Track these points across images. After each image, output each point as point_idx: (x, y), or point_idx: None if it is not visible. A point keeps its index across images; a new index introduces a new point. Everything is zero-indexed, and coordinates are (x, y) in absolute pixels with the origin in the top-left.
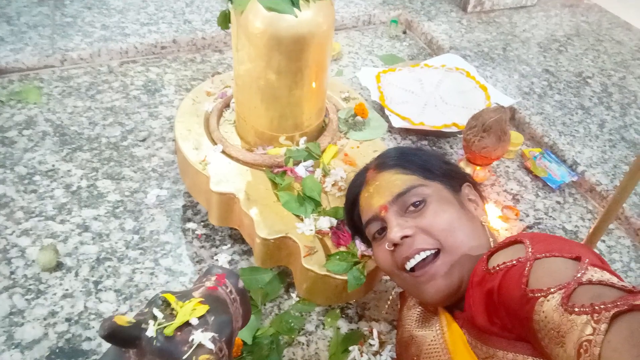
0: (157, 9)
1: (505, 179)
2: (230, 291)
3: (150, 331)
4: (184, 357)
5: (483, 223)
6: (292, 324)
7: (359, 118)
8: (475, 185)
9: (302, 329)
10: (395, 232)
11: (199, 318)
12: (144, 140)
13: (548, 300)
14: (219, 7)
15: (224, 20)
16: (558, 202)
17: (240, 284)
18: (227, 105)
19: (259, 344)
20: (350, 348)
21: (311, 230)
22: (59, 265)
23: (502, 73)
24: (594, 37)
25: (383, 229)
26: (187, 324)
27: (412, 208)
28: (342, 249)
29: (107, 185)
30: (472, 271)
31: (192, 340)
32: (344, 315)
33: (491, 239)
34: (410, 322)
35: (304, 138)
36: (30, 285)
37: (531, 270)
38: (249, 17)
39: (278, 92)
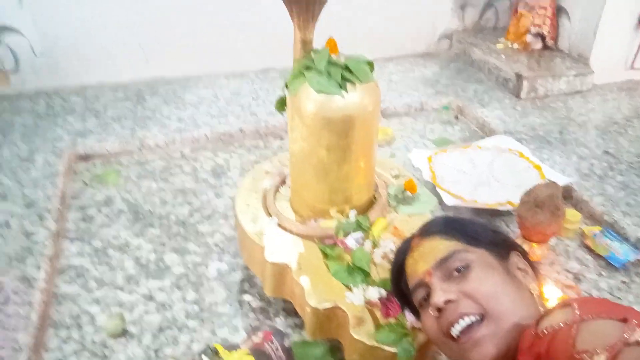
0: (227, 103)
1: (565, 257)
2: (277, 348)
3: None
4: None
5: (532, 292)
6: None
7: (408, 193)
8: (526, 255)
9: None
10: (438, 297)
11: None
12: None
13: None
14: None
15: (281, 104)
16: (623, 282)
17: (287, 342)
18: (283, 182)
19: None
20: None
21: (360, 300)
22: (124, 332)
23: (560, 155)
24: None
25: (429, 295)
26: None
27: (456, 273)
28: (392, 320)
29: (172, 259)
30: (522, 337)
31: None
32: None
33: (542, 309)
34: None
35: (354, 211)
36: (97, 349)
37: (578, 332)
38: (301, 100)
39: (328, 167)
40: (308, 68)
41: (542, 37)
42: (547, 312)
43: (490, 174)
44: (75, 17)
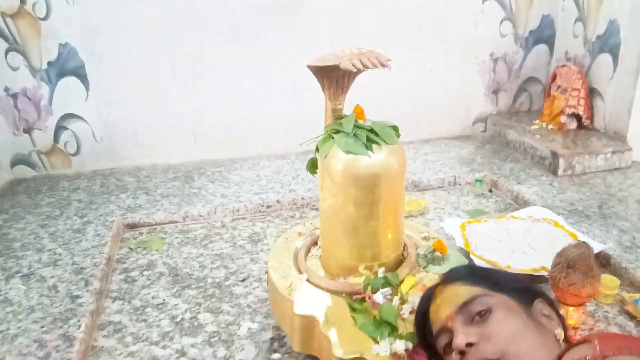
0: (268, 181)
1: (605, 324)
2: None
3: None
4: None
5: (558, 337)
6: None
7: (437, 253)
8: (552, 303)
9: None
10: (460, 340)
11: None
12: (243, 280)
13: None
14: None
15: (312, 165)
16: None
17: None
18: (315, 243)
19: None
20: None
21: (386, 351)
22: None
23: (599, 229)
24: None
25: (452, 341)
26: None
27: (477, 318)
28: None
29: (206, 318)
30: None
31: None
32: None
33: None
34: None
35: (383, 269)
36: None
37: None
38: (331, 160)
39: (356, 222)
40: (337, 132)
41: (578, 118)
42: (568, 348)
43: (525, 242)
44: (134, 105)
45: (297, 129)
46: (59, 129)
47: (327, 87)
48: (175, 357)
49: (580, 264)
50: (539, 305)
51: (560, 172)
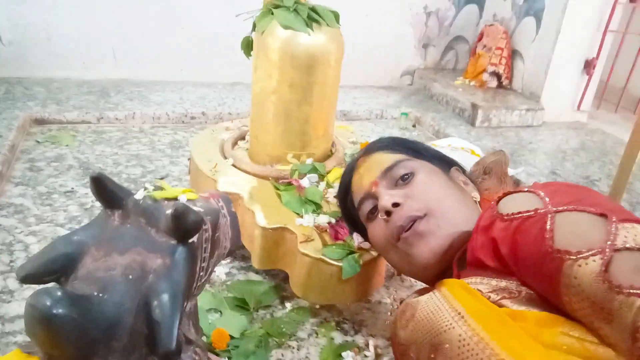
0: (193, 105)
1: None
2: (222, 207)
3: (139, 195)
4: (167, 211)
5: (474, 199)
6: (284, 329)
7: None
8: (465, 172)
9: (294, 335)
10: (386, 200)
11: (189, 200)
12: (162, 178)
13: (580, 266)
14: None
15: (247, 46)
16: None
17: (232, 208)
18: (243, 138)
19: (247, 339)
20: (344, 354)
21: (310, 223)
22: None
23: (509, 171)
24: (599, 151)
25: (376, 208)
26: (175, 199)
27: (401, 182)
28: (340, 243)
29: None
30: (479, 217)
31: (177, 201)
32: (339, 329)
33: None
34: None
35: (311, 159)
36: None
37: (554, 226)
38: (268, 37)
39: (289, 107)
40: (276, 6)
41: (498, 76)
42: (507, 194)
43: None
44: (49, 10)
45: (228, 59)
46: None
47: None
48: None
49: (496, 170)
50: (456, 173)
51: (477, 123)
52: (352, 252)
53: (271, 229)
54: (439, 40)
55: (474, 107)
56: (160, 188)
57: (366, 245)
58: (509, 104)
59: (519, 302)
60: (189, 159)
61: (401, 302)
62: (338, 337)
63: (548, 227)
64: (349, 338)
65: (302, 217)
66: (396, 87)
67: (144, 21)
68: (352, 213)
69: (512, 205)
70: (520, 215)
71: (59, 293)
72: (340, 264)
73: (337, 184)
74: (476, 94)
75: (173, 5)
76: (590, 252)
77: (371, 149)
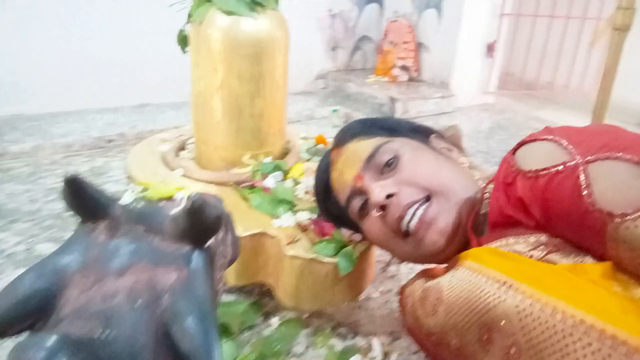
0: (101, 132)
1: None
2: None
3: (127, 198)
4: (172, 211)
5: (463, 165)
6: (278, 347)
7: (321, 145)
8: (444, 137)
9: (291, 352)
10: (378, 193)
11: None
12: None
13: (628, 228)
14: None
15: (183, 39)
16: None
17: (227, 209)
18: (183, 148)
19: None
20: (352, 359)
21: (291, 222)
22: None
23: None
24: (515, 127)
25: (366, 202)
26: (170, 199)
27: (386, 168)
28: (327, 238)
29: (49, 247)
30: (496, 174)
31: (182, 201)
32: (336, 335)
33: (480, 181)
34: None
35: (269, 158)
36: None
37: (590, 180)
38: (208, 27)
39: (240, 100)
40: None
41: (408, 70)
42: (523, 143)
43: None
44: None
45: (133, 79)
46: None
47: None
48: None
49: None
50: (436, 141)
51: (398, 115)
52: (345, 246)
53: (247, 236)
54: (346, 41)
55: (392, 100)
56: (146, 189)
57: (357, 237)
58: (424, 94)
59: (567, 254)
60: (128, 178)
61: (402, 291)
62: (338, 344)
63: (582, 182)
64: (349, 342)
65: (279, 218)
66: (312, 92)
67: (33, 47)
68: (337, 212)
69: (534, 159)
70: (546, 171)
71: (53, 340)
72: (335, 261)
73: (304, 179)
74: (391, 88)
75: (66, 29)
76: (638, 214)
77: (342, 139)
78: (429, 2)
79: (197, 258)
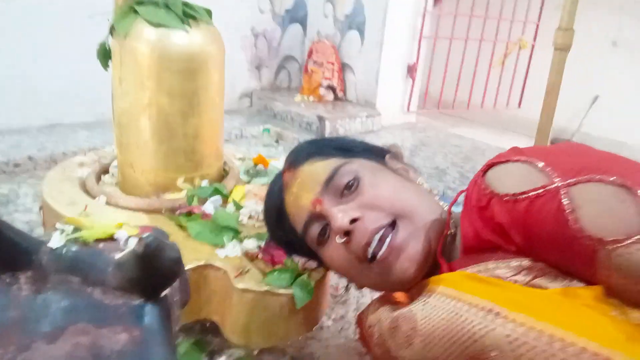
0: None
1: None
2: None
3: (56, 241)
4: (117, 256)
5: (422, 185)
6: None
7: (260, 166)
8: (398, 156)
9: None
10: (341, 219)
11: (131, 237)
12: None
13: (620, 255)
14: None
15: (104, 54)
16: None
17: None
18: (105, 172)
19: None
20: None
21: (237, 251)
22: None
23: None
24: (438, 144)
25: (326, 227)
26: (111, 239)
27: (347, 191)
28: (279, 267)
29: None
30: (466, 196)
31: (127, 242)
32: None
33: (441, 202)
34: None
35: (206, 181)
36: None
37: (574, 204)
38: (134, 40)
39: (171, 119)
40: (140, 3)
41: (334, 90)
42: (493, 164)
43: None
44: None
45: (39, 97)
46: None
47: None
48: None
49: None
50: (392, 161)
51: (326, 134)
52: (299, 274)
53: (189, 270)
54: (270, 61)
55: (321, 119)
56: (79, 228)
57: (312, 264)
58: (350, 113)
59: (554, 277)
60: (41, 208)
61: (360, 320)
62: None
63: (567, 206)
64: None
65: (223, 247)
66: (236, 110)
67: None
68: (291, 239)
69: (509, 181)
70: (525, 195)
71: None
72: (290, 292)
73: (247, 203)
74: (318, 107)
75: None
76: (630, 241)
77: (296, 160)
78: (351, 24)
79: (150, 313)
